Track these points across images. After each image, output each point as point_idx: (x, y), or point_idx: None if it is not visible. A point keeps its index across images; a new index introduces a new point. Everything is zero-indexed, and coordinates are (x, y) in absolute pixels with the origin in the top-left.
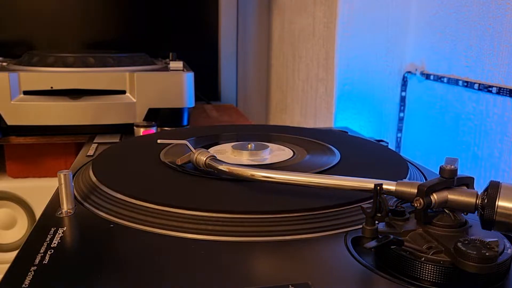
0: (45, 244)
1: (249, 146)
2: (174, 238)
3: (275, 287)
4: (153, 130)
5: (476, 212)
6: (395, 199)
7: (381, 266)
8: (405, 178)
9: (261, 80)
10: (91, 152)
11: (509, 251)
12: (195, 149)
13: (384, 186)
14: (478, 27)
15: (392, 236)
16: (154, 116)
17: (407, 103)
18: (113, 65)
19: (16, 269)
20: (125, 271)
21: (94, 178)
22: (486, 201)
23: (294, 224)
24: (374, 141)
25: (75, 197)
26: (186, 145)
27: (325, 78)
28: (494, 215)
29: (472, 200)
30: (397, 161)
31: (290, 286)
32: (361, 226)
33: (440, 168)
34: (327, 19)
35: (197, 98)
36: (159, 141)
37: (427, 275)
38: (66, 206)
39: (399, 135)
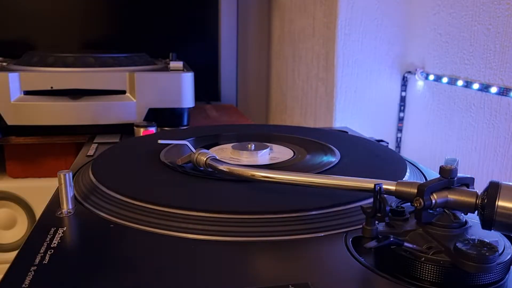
0: (45, 244)
1: (249, 146)
2: (174, 238)
3: (275, 287)
4: (153, 130)
5: (476, 212)
6: (395, 199)
7: (381, 266)
8: (405, 178)
9: (261, 80)
10: (91, 152)
11: (509, 251)
12: (195, 149)
13: (384, 186)
14: (478, 27)
15: (392, 236)
16: (154, 116)
17: (407, 103)
18: (113, 65)
19: (16, 269)
20: (125, 271)
21: (94, 179)
22: (486, 201)
23: (294, 224)
24: (374, 141)
25: (75, 197)
26: (187, 145)
27: (325, 78)
28: (494, 215)
29: (472, 200)
30: (397, 161)
31: (290, 286)
32: (361, 226)
33: (440, 168)
34: (327, 19)
35: (197, 98)
36: (159, 141)
37: (427, 275)
38: (66, 206)
39: (399, 135)
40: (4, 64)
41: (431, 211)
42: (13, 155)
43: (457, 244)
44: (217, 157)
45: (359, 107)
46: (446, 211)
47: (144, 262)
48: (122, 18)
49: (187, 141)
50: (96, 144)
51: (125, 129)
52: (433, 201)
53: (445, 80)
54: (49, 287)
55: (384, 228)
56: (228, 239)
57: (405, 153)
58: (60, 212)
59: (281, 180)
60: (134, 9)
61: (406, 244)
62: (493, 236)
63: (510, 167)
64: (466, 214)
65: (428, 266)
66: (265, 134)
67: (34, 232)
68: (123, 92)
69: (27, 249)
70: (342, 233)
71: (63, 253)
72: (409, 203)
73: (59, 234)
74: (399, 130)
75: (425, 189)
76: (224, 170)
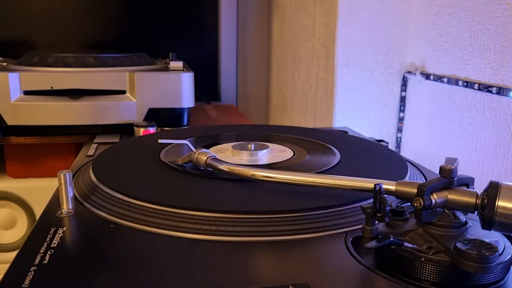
0: (45, 244)
1: (249, 146)
2: (174, 238)
3: (275, 287)
4: (153, 130)
5: (476, 212)
6: (395, 199)
7: (381, 266)
8: (405, 178)
9: (261, 80)
10: (91, 152)
11: (509, 251)
12: (195, 149)
13: (384, 186)
14: (478, 27)
15: (392, 236)
16: (154, 116)
17: (407, 103)
18: (113, 65)
19: (16, 269)
20: (125, 271)
21: (94, 178)
22: (486, 201)
23: (294, 224)
24: (374, 141)
25: (75, 197)
26: (187, 145)
27: (325, 78)
28: (494, 215)
29: (472, 200)
30: (397, 161)
31: (290, 286)
32: (361, 226)
33: (440, 168)
34: (327, 19)
35: (197, 98)
36: (160, 141)
37: (427, 275)
38: (66, 206)
39: (399, 135)
40: (4, 64)
41: (431, 211)
42: (13, 155)
43: (457, 244)
44: (217, 157)
45: (359, 107)
46: (446, 211)
47: (144, 262)
48: (122, 18)
49: (187, 141)
50: (96, 144)
51: (125, 129)
52: (433, 201)
53: (445, 80)
54: (49, 287)
55: (384, 228)
56: (228, 239)
57: (405, 153)
58: (60, 212)
59: (281, 180)
60: (134, 9)
61: (406, 244)
62: (493, 236)
63: (510, 167)
64: (466, 214)
65: (428, 266)
66: (265, 134)
67: (34, 232)
68: (123, 92)
69: (27, 249)
70: (342, 233)
71: (63, 253)
72: (409, 203)
73: (59, 234)
74: (399, 130)
75: (425, 189)
76: (224, 170)
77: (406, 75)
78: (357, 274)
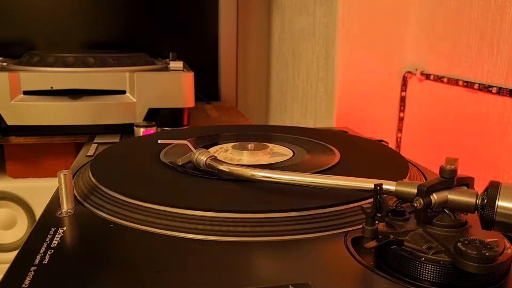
0: (45, 244)
1: (249, 146)
2: (174, 238)
3: (275, 287)
4: (153, 130)
5: (476, 212)
6: (395, 199)
7: (381, 266)
8: (405, 178)
9: (261, 80)
10: (91, 152)
11: (509, 251)
12: (195, 149)
13: (384, 186)
14: (478, 27)
15: (392, 236)
16: (154, 116)
17: (407, 103)
18: (113, 65)
19: (16, 269)
20: (125, 271)
21: (93, 178)
22: (486, 201)
23: (294, 224)
24: (374, 141)
25: (75, 197)
26: (187, 145)
27: (325, 78)
28: (494, 215)
29: (472, 200)
30: (397, 161)
31: (290, 286)
32: (361, 226)
33: (440, 168)
34: (327, 19)
35: (197, 98)
36: (159, 141)
37: (427, 275)
38: (66, 206)
39: (399, 135)
40: (4, 64)
41: (431, 211)
42: (13, 155)
43: (457, 244)
44: (217, 157)
45: (359, 107)
46: (446, 211)
47: (144, 262)
48: (122, 18)
49: (187, 141)
50: (96, 144)
51: (125, 129)
52: (433, 201)
53: (445, 80)
54: (49, 287)
55: (384, 228)
56: (228, 239)
57: (405, 153)
58: (60, 212)
59: (281, 180)
60: (134, 9)
61: (406, 244)
62: (493, 236)
63: (510, 167)
64: (466, 214)
65: (428, 266)
66: (265, 134)
67: (34, 232)
68: (123, 92)
69: (27, 249)
70: (342, 233)
71: (63, 253)
72: (409, 203)
73: (59, 234)
74: (399, 130)
75: (425, 189)
76: (224, 170)
77: (406, 75)
78: (357, 274)
